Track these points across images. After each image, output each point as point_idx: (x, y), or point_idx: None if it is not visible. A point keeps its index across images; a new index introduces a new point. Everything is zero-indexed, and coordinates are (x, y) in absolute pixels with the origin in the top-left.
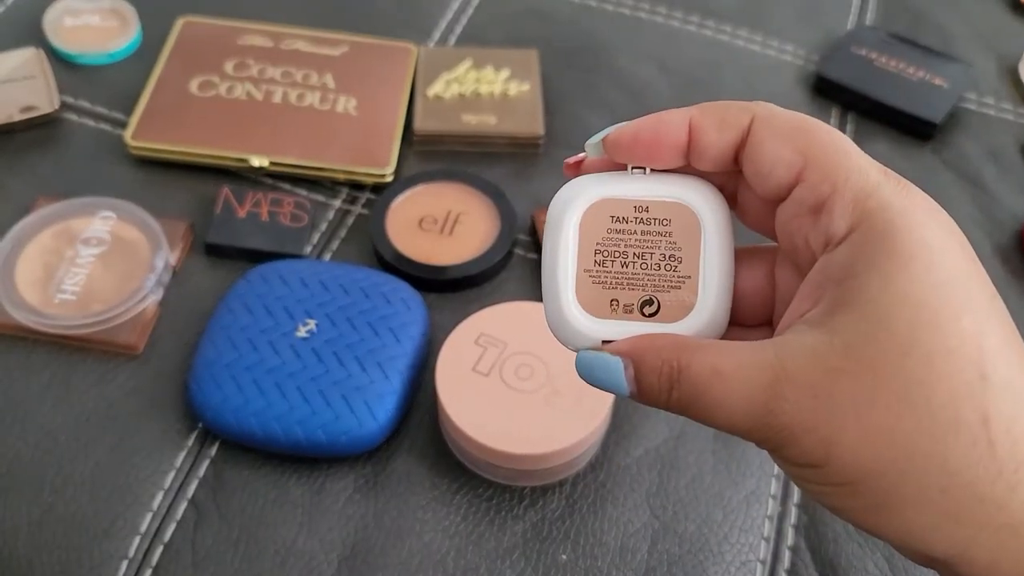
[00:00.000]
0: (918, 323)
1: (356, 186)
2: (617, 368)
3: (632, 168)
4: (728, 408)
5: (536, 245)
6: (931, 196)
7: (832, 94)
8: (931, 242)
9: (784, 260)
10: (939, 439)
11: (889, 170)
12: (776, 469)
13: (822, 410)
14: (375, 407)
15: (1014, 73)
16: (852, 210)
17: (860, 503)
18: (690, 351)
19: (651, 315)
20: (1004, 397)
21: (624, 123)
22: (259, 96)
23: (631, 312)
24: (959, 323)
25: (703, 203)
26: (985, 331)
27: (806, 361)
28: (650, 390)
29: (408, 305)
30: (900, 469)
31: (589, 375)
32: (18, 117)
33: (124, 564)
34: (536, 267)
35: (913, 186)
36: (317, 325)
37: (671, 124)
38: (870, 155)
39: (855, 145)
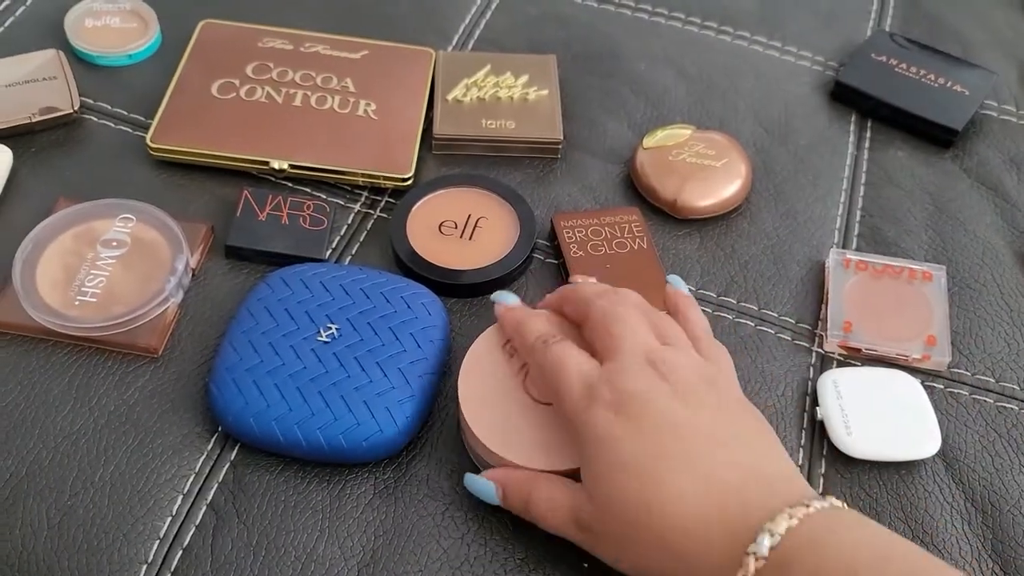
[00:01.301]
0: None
1: (375, 190)
2: (491, 492)
3: None
4: (555, 526)
5: (556, 250)
6: (951, 203)
7: (851, 100)
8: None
9: None
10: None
11: (596, 384)
12: None
13: (599, 539)
14: (396, 413)
15: None
16: (568, 424)
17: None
18: (534, 486)
19: None
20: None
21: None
22: (279, 99)
23: None
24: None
25: None
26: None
27: (588, 507)
28: (512, 507)
29: (429, 310)
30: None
31: (473, 491)
32: (39, 118)
33: (143, 568)
34: (556, 272)
35: (617, 397)
36: (338, 330)
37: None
38: (890, 162)
39: (572, 366)
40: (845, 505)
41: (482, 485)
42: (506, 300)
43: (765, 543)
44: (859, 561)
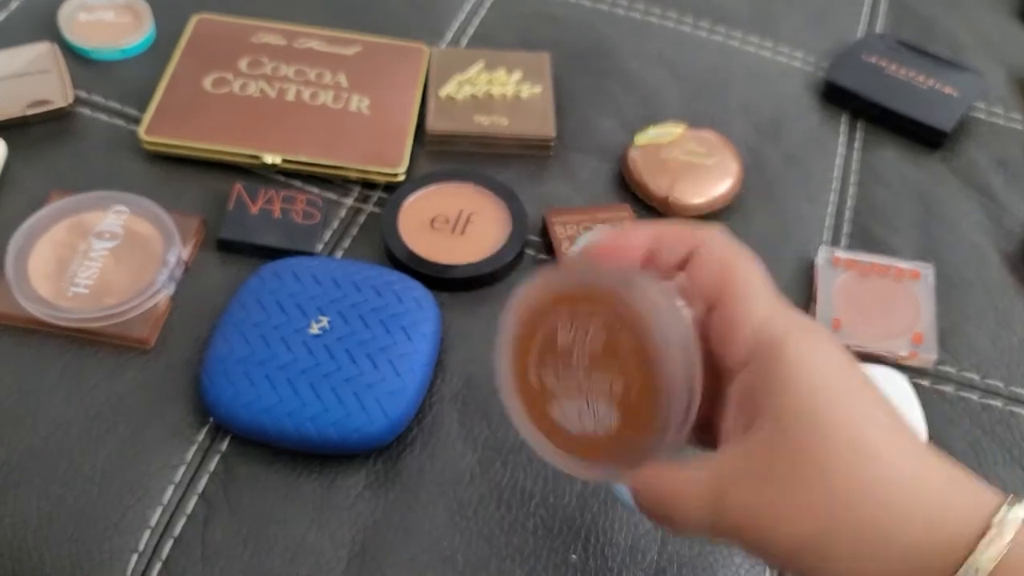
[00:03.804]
0: (809, 432)
1: (368, 185)
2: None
3: None
4: (691, 521)
5: (547, 246)
6: (940, 204)
7: (842, 101)
8: (809, 362)
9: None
10: (838, 516)
11: (780, 301)
12: None
13: (753, 514)
14: (387, 405)
15: (1023, 83)
16: (749, 341)
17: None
18: (654, 476)
19: None
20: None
21: (594, 238)
22: (272, 94)
23: None
24: (838, 427)
25: None
26: (861, 418)
27: (738, 477)
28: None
29: (420, 304)
30: (820, 543)
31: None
32: (32, 111)
33: (134, 558)
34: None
35: (796, 313)
36: (330, 322)
37: (631, 245)
38: (880, 162)
39: (762, 280)
40: None
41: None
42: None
43: (1020, 512)
44: None
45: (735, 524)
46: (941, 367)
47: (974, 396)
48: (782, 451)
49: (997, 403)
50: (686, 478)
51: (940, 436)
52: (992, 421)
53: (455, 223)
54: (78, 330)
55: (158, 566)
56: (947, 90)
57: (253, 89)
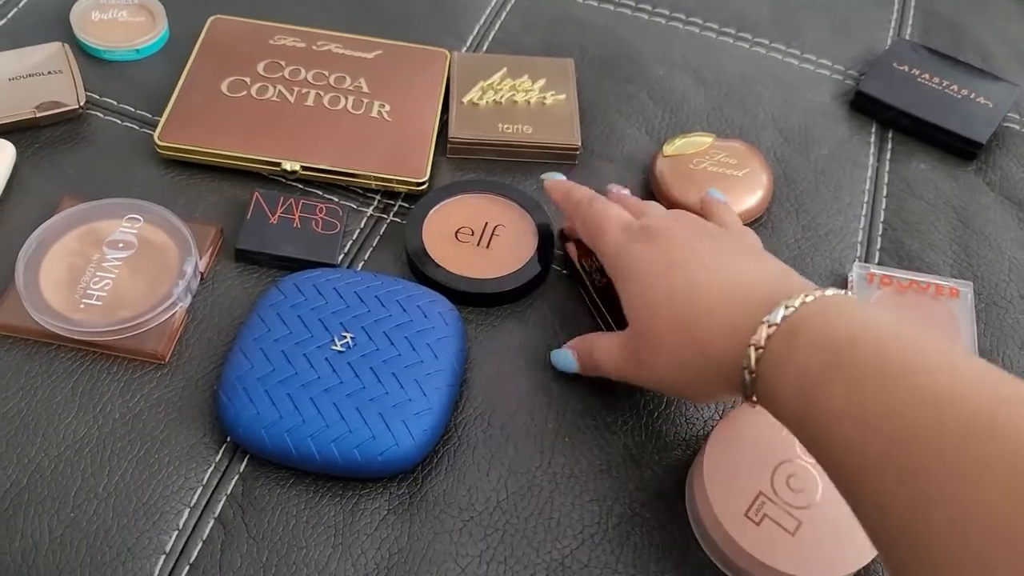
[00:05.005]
0: (642, 315)
1: (388, 193)
2: (571, 362)
3: None
4: (615, 368)
5: (566, 260)
6: (975, 217)
7: (871, 110)
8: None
9: None
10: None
11: (632, 225)
12: None
13: (643, 365)
14: (413, 426)
15: None
16: (608, 263)
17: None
18: (593, 341)
19: None
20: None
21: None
22: (291, 98)
23: None
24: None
25: None
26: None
27: (630, 341)
28: (583, 366)
29: (445, 320)
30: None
31: (558, 366)
32: (42, 113)
33: None
34: (570, 283)
35: (647, 232)
36: (354, 339)
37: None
38: (912, 174)
39: (613, 215)
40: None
41: (565, 357)
42: (554, 176)
43: (780, 313)
44: (863, 327)
45: (634, 364)
46: None
47: None
48: (636, 329)
49: None
50: (610, 343)
51: None
52: None
53: (480, 236)
54: (90, 344)
55: None
56: (981, 100)
57: (271, 93)
